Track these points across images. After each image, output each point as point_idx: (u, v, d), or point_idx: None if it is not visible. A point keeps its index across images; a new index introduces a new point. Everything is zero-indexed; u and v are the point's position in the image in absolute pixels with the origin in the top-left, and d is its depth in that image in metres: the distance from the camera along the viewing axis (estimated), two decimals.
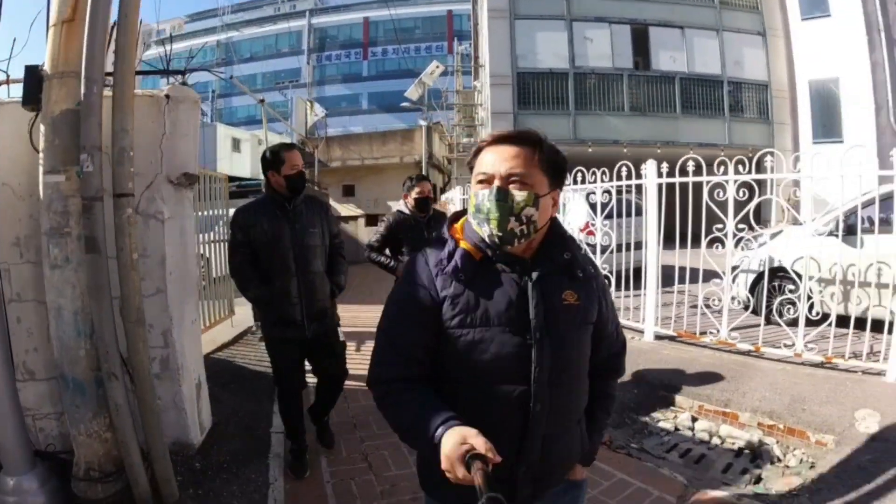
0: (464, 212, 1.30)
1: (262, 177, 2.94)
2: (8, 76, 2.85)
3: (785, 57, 14.72)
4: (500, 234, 1.14)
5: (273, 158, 2.78)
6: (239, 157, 21.55)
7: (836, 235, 4.55)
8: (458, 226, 1.29)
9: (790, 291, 4.42)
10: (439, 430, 1.01)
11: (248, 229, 2.76)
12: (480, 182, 1.18)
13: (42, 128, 2.38)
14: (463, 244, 1.21)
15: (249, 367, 4.45)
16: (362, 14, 39.77)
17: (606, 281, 4.59)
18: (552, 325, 1.18)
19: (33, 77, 2.45)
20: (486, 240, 1.18)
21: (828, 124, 13.82)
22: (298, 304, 2.77)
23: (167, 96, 2.80)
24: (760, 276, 5.35)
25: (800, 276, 4.31)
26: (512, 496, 1.20)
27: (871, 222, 4.20)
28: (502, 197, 1.14)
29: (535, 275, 1.18)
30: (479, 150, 1.21)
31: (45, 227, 2.39)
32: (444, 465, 0.96)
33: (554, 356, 1.17)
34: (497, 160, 1.16)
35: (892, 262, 4.00)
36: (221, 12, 44.79)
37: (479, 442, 0.95)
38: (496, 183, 1.15)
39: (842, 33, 13.45)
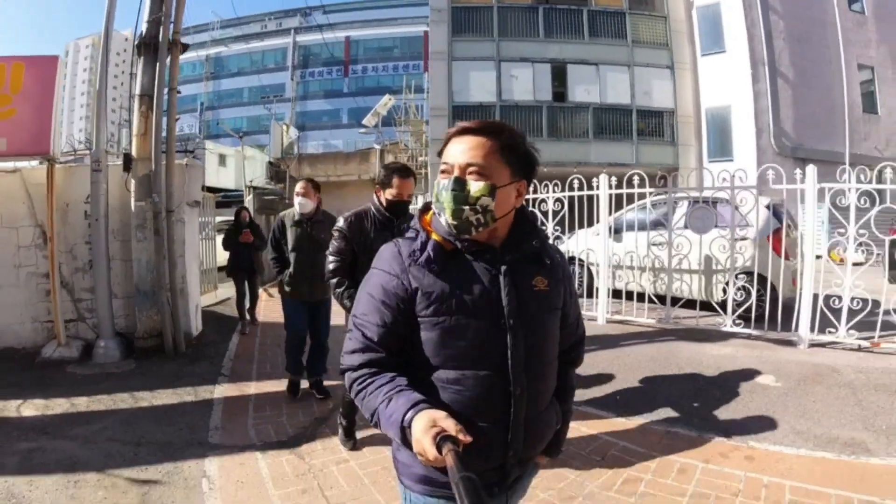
0: (430, 204, 1.41)
1: (242, 187, 5.97)
2: (125, 155, 6.57)
3: (691, 87, 18.37)
4: (454, 222, 1.26)
5: (385, 178, 3.15)
6: (225, 171, 25.47)
7: (609, 235, 7.03)
8: (427, 217, 1.38)
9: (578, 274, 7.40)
10: (409, 414, 1.08)
11: (354, 238, 3.13)
12: (443, 172, 1.30)
13: (133, 181, 6.08)
14: (434, 235, 1.31)
15: (220, 313, 8.03)
16: (344, 33, 44.08)
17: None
18: (524, 310, 1.29)
19: (127, 157, 6.17)
20: (446, 228, 1.28)
21: (721, 145, 17.55)
22: None
23: (186, 164, 6.54)
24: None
25: (582, 262, 7.34)
26: (502, 481, 1.35)
27: (630, 225, 7.02)
28: (458, 187, 1.25)
29: (505, 262, 1.30)
30: (447, 141, 1.32)
31: (134, 224, 6.06)
32: (415, 447, 1.04)
33: (527, 341, 1.29)
34: (458, 151, 1.28)
35: (639, 251, 6.64)
36: (211, 27, 49.05)
37: (448, 424, 1.02)
38: (454, 173, 1.27)
39: (733, 67, 17.20)
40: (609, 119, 18.26)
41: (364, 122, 22.75)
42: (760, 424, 3.71)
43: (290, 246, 4.36)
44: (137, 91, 6.15)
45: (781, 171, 5.44)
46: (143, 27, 5.98)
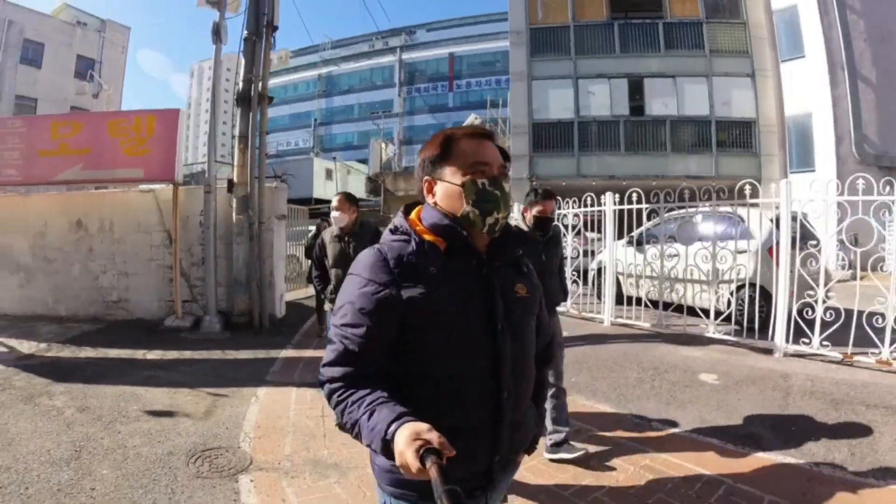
0: (415, 203, 1.45)
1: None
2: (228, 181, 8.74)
3: (774, 95, 17.85)
4: (503, 220, 1.33)
5: (533, 197, 3.63)
6: (331, 184, 28.44)
7: (632, 245, 8.13)
8: (414, 217, 1.40)
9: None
10: (392, 427, 1.06)
11: None
12: (475, 171, 1.32)
13: (234, 200, 8.15)
14: (427, 236, 1.32)
15: (306, 305, 9.89)
16: (448, 50, 46.52)
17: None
18: (511, 315, 1.34)
19: (230, 182, 8.27)
20: (487, 226, 1.31)
21: (803, 155, 16.94)
22: None
23: (275, 187, 8.56)
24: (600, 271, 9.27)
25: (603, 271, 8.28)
26: (486, 484, 1.37)
27: (651, 238, 7.90)
28: (503, 186, 1.33)
29: (495, 266, 1.36)
30: (453, 140, 1.36)
31: (234, 231, 8.13)
32: (398, 460, 1.02)
33: (514, 345, 1.34)
34: (490, 152, 1.35)
35: (658, 262, 7.44)
36: (322, 48, 53.69)
37: (432, 436, 1.00)
38: (495, 173, 1.34)
39: (813, 72, 16.59)
40: (687, 131, 18.46)
41: None
42: (670, 409, 4.38)
43: (329, 262, 4.42)
44: (237, 133, 8.27)
45: (873, 181, 5.28)
46: (241, 85, 8.06)
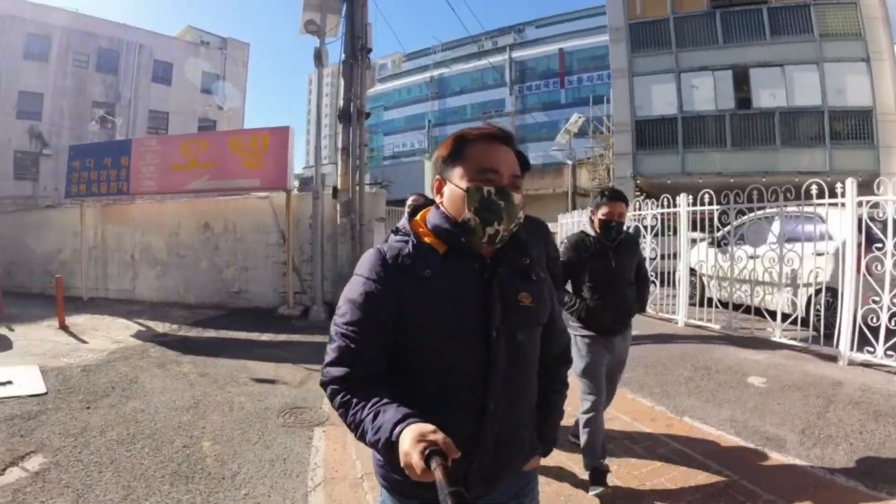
0: (420, 207, 1.49)
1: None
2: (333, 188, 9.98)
3: (893, 80, 16.12)
4: (505, 232, 1.32)
5: (599, 199, 3.37)
6: None
7: (718, 246, 7.98)
8: (419, 219, 1.42)
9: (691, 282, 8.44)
10: (397, 428, 1.08)
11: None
12: (485, 179, 1.31)
13: (338, 205, 9.30)
14: (427, 239, 1.34)
15: None
16: (557, 46, 46.17)
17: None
18: (509, 323, 1.32)
19: (335, 189, 9.44)
20: (487, 236, 1.31)
21: None
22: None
23: (374, 192, 9.67)
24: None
25: (694, 272, 8.35)
26: (468, 492, 1.28)
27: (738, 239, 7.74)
28: (511, 197, 1.31)
29: (498, 272, 1.34)
30: (465, 141, 1.35)
31: (339, 232, 9.37)
32: (402, 461, 1.04)
33: (509, 354, 1.32)
34: (503, 159, 1.34)
35: (744, 263, 7.27)
36: (433, 51, 55.32)
37: (438, 438, 1.02)
38: (504, 182, 1.32)
39: None
40: (798, 123, 17.23)
41: (556, 139, 24.83)
42: (707, 407, 4.56)
43: None
44: (340, 146, 9.43)
45: None
46: (341, 103, 9.18)
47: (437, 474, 0.95)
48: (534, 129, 47.17)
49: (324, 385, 1.31)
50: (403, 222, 1.41)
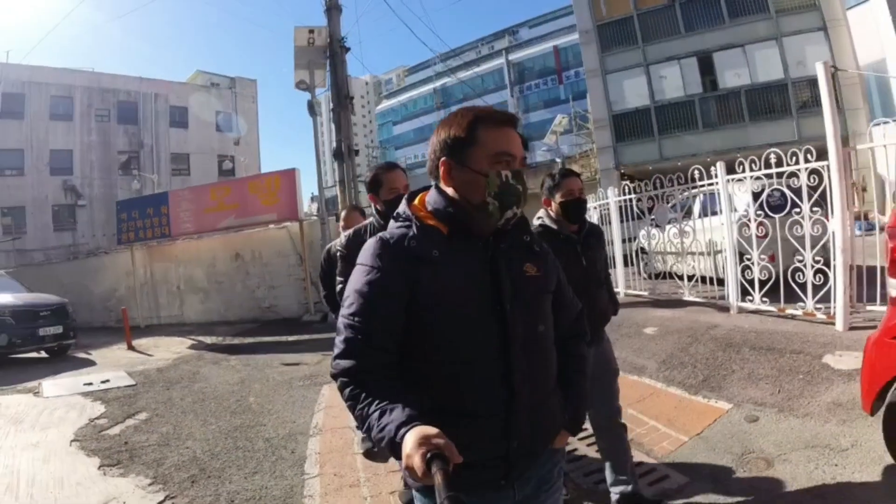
0: (420, 190, 1.49)
1: None
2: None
3: (849, 44, 17.16)
4: (520, 214, 1.39)
5: (551, 182, 3.01)
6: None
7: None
8: (418, 203, 1.44)
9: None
10: (402, 430, 1.11)
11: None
12: (500, 162, 1.35)
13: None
14: (430, 221, 1.37)
15: None
16: (551, 43, 47.89)
17: None
18: (520, 294, 1.37)
19: (337, 216, 11.54)
20: (504, 219, 1.37)
21: (883, 104, 16.36)
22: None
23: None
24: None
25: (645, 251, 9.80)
26: (508, 473, 1.38)
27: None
28: (525, 180, 1.38)
29: (501, 248, 1.39)
30: (480, 124, 1.37)
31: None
32: (404, 462, 1.07)
33: (525, 325, 1.36)
34: (515, 142, 1.39)
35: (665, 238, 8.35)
36: (433, 63, 57.44)
37: (440, 442, 1.04)
38: (518, 165, 1.38)
39: (881, 16, 16.04)
40: (764, 98, 18.54)
41: (545, 140, 26.76)
42: None
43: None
44: (338, 178, 11.56)
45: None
46: (335, 144, 11.33)
47: (437, 478, 0.98)
48: (538, 127, 48.51)
49: (334, 377, 1.32)
50: (404, 208, 1.42)
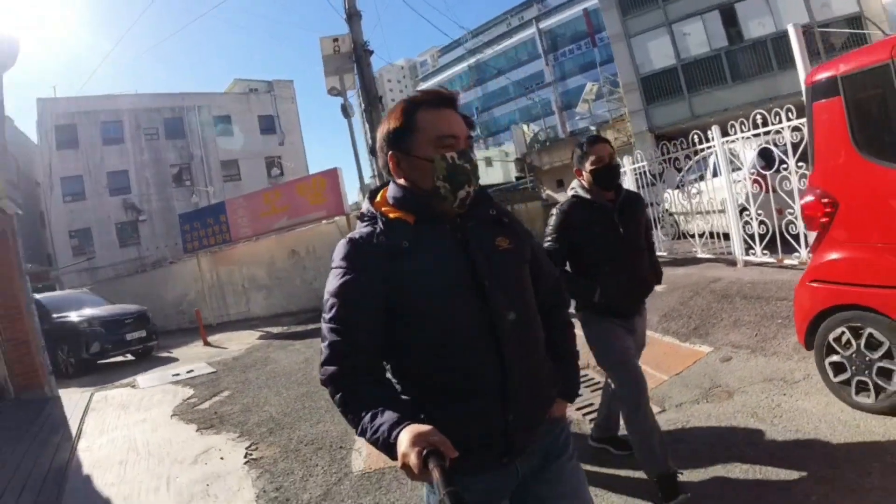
0: (380, 187, 1.54)
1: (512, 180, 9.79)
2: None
3: None
4: (473, 192, 1.42)
5: (577, 154, 3.01)
6: (492, 171, 32.51)
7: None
8: (380, 199, 1.48)
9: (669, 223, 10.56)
10: (395, 431, 1.15)
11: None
12: (444, 145, 1.39)
13: None
14: (393, 214, 1.41)
15: None
16: (580, 7, 47.10)
17: None
18: (496, 269, 1.41)
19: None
20: (458, 200, 1.39)
21: None
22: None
23: None
24: None
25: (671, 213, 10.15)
26: (509, 449, 1.42)
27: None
28: (472, 158, 1.40)
29: (469, 227, 1.43)
30: (415, 110, 1.42)
31: None
32: (400, 461, 1.10)
33: (506, 297, 1.40)
34: (456, 123, 1.41)
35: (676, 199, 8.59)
36: (464, 40, 57.52)
37: (435, 439, 1.08)
38: (462, 145, 1.41)
39: None
40: (791, 45, 17.93)
41: (577, 109, 26.99)
42: None
43: None
44: (376, 172, 12.56)
45: None
46: (368, 142, 12.32)
47: (435, 474, 1.00)
48: (576, 94, 47.93)
49: (323, 384, 1.34)
50: (367, 206, 1.48)
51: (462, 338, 1.36)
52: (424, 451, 1.06)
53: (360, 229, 1.43)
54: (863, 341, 3.33)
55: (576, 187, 3.02)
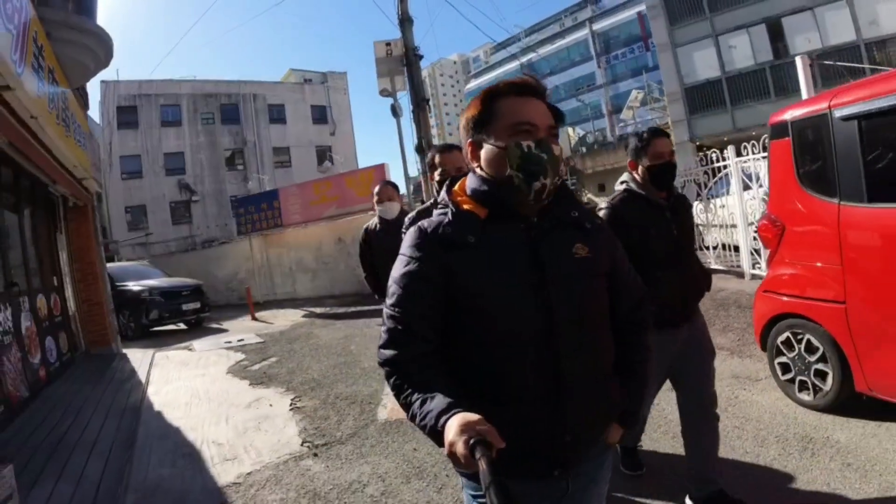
0: (458, 178, 1.50)
1: None
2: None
3: None
4: (551, 186, 1.33)
5: (638, 143, 2.76)
6: None
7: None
8: (458, 189, 1.45)
9: None
10: (443, 417, 1.13)
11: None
12: (520, 132, 1.33)
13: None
14: (466, 206, 1.38)
15: None
16: (635, 10, 46.86)
17: None
18: (567, 277, 1.34)
19: (422, 201, 13.63)
20: (534, 192, 1.32)
21: None
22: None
23: None
24: None
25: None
26: (562, 462, 1.37)
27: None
28: (551, 149, 1.32)
29: (545, 228, 1.36)
30: (496, 98, 1.38)
31: None
32: (447, 450, 1.08)
33: (572, 308, 1.33)
34: (537, 111, 1.35)
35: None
36: (518, 38, 57.80)
37: (483, 428, 1.05)
38: (541, 135, 1.33)
39: None
40: (836, 61, 17.69)
41: (622, 116, 27.39)
42: None
43: (380, 261, 4.34)
44: (421, 169, 13.55)
45: None
46: (415, 140, 13.24)
47: (482, 464, 0.98)
48: (627, 98, 48.47)
49: (380, 365, 1.35)
50: (444, 195, 1.45)
51: (514, 341, 1.31)
52: (472, 441, 1.03)
53: (433, 218, 1.42)
54: (803, 346, 3.96)
55: (627, 180, 2.81)
